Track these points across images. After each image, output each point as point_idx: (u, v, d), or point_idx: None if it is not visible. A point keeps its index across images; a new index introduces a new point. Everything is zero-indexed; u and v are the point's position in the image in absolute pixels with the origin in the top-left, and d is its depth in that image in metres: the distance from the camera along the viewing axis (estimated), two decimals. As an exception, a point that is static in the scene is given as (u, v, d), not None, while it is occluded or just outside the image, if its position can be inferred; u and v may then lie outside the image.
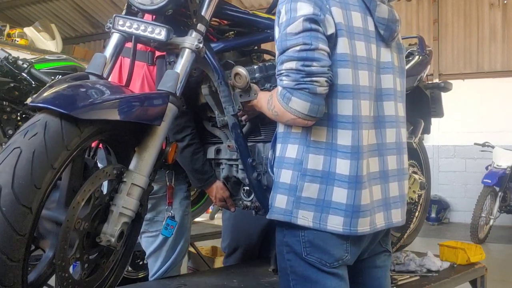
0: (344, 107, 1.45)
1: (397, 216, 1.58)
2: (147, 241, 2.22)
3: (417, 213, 2.67)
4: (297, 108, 1.40)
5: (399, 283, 2.29)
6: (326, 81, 1.40)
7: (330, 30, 1.43)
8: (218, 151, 2.03)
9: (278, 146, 1.56)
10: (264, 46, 2.02)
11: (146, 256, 2.27)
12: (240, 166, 1.94)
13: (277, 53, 1.47)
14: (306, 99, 1.39)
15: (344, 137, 1.45)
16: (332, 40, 1.44)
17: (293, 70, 1.40)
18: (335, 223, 1.45)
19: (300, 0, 1.42)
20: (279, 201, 1.51)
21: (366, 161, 1.48)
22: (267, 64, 1.81)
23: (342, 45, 1.45)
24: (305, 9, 1.41)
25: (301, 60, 1.39)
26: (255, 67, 1.79)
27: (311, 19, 1.40)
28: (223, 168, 2.04)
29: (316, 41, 1.40)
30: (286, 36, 1.42)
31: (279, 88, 1.44)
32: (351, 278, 1.56)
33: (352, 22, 1.48)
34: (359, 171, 1.45)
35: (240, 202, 2.08)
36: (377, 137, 1.53)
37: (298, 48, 1.40)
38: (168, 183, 2.10)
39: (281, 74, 1.43)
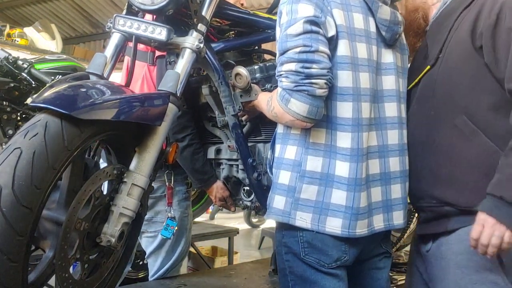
0: (344, 109, 1.45)
1: (399, 218, 1.58)
2: (147, 241, 2.23)
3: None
4: (296, 110, 1.40)
5: (399, 283, 2.29)
6: (325, 83, 1.39)
7: (331, 32, 1.42)
8: (218, 151, 2.03)
9: (277, 147, 1.55)
10: (264, 46, 2.02)
11: (146, 256, 2.28)
12: (240, 166, 1.94)
13: (277, 53, 1.46)
14: (305, 101, 1.38)
15: (343, 140, 1.45)
16: (332, 42, 1.43)
17: (292, 71, 1.39)
18: (334, 225, 1.45)
19: (301, 1, 1.41)
20: (277, 202, 1.51)
21: (365, 164, 1.47)
22: (267, 64, 1.81)
23: (343, 47, 1.44)
24: (306, 11, 1.40)
25: (301, 62, 1.38)
26: (256, 67, 1.79)
27: (311, 21, 1.39)
28: (223, 168, 2.04)
29: (317, 43, 1.39)
30: (286, 37, 1.41)
31: (279, 90, 1.44)
32: (351, 279, 1.56)
33: (354, 23, 1.47)
34: (358, 173, 1.44)
35: (241, 202, 2.08)
36: (378, 139, 1.53)
37: (298, 50, 1.39)
38: (167, 184, 2.10)
39: (280, 75, 1.43)
